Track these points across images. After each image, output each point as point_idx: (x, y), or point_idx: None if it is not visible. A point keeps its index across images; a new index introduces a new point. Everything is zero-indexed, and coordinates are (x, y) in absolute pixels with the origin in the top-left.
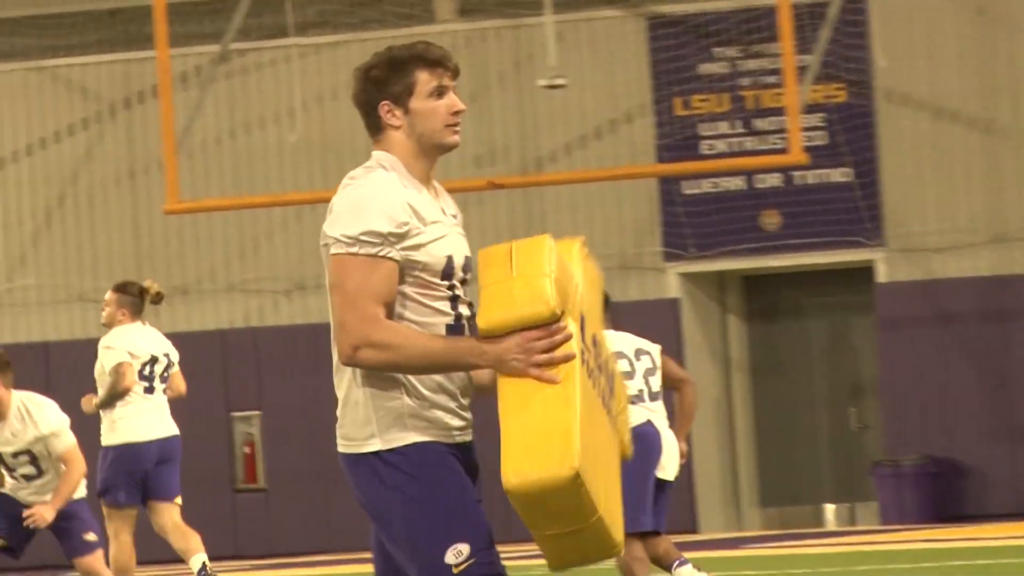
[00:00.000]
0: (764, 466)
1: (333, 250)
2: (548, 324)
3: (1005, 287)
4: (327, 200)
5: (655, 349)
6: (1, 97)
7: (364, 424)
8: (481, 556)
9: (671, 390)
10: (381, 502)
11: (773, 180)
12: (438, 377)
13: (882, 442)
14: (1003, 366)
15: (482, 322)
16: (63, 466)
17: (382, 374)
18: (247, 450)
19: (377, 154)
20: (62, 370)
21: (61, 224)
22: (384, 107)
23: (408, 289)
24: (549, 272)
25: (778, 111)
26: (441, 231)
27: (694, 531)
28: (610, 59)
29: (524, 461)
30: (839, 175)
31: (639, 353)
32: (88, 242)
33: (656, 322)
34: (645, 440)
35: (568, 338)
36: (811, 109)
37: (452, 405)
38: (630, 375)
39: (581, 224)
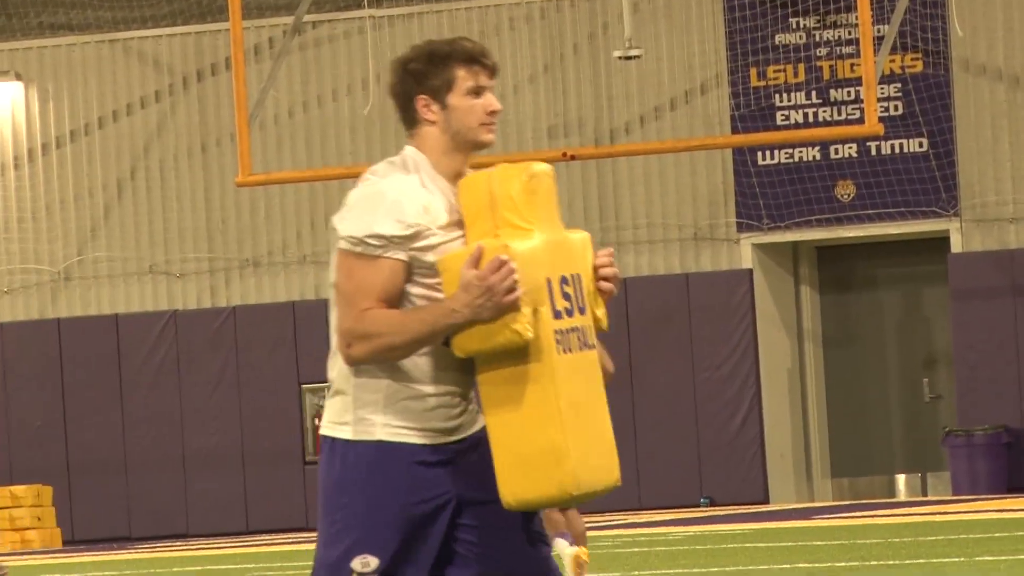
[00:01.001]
0: (835, 437)
1: (340, 245)
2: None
3: None
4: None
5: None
6: (74, 70)
7: (342, 412)
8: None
9: None
10: (327, 486)
11: (848, 151)
12: (428, 370)
13: (955, 412)
14: None
15: (459, 351)
16: None
17: (369, 368)
18: (318, 422)
19: (407, 150)
20: (132, 342)
21: (132, 197)
22: (421, 101)
23: (413, 289)
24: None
25: (854, 81)
26: (454, 235)
27: (765, 501)
28: (685, 30)
29: (520, 483)
30: (914, 145)
31: None
32: (159, 215)
33: (729, 293)
34: None
35: (512, 271)
36: (887, 79)
37: (442, 403)
38: None
39: (655, 195)
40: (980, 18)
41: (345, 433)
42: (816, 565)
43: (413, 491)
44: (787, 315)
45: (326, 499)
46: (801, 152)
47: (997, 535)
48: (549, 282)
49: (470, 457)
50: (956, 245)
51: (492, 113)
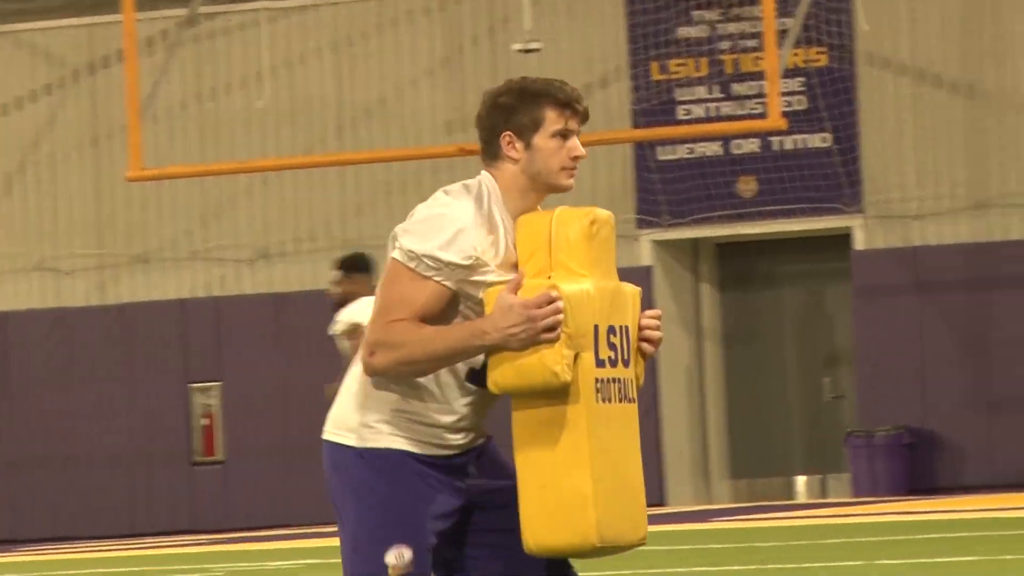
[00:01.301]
0: (735, 437)
1: (394, 255)
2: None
3: (985, 255)
4: (294, 167)
5: None
6: None
7: (350, 417)
8: (423, 568)
9: None
10: (342, 494)
11: (750, 146)
12: (443, 400)
13: (856, 412)
14: (982, 335)
15: (493, 387)
16: None
17: (385, 383)
18: (206, 422)
19: (484, 178)
20: (19, 340)
21: (22, 191)
22: (506, 138)
23: (452, 317)
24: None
25: (757, 75)
26: (507, 276)
27: (662, 503)
28: (586, 22)
29: (543, 528)
30: (818, 140)
31: None
32: (49, 210)
33: None
34: None
35: (559, 310)
36: (791, 73)
37: (449, 421)
38: None
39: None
40: (885, 11)
41: (350, 440)
42: (714, 568)
43: (427, 490)
44: (686, 313)
45: (345, 504)
46: (703, 147)
47: (898, 538)
48: (596, 329)
49: (474, 464)
50: (859, 242)
51: (575, 159)
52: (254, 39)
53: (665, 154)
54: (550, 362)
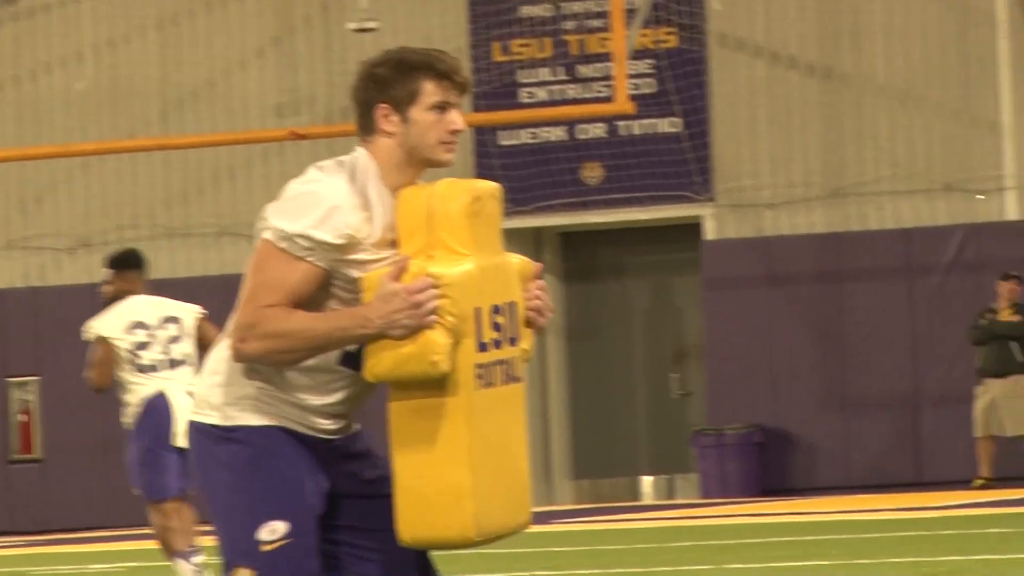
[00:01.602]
0: (578, 436)
1: (265, 234)
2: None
3: (841, 245)
4: (116, 151)
5: (190, 314)
6: None
7: (214, 395)
8: (297, 539)
9: None
10: (210, 472)
11: (596, 130)
12: (312, 382)
13: (705, 410)
14: (837, 330)
15: (370, 376)
16: None
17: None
18: (23, 418)
19: (359, 154)
20: None
21: None
22: (381, 110)
23: (328, 301)
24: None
25: (604, 57)
26: (384, 255)
27: None
28: (425, 0)
29: (418, 521)
30: (667, 125)
31: (167, 321)
32: None
33: None
34: (155, 414)
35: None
36: (639, 55)
37: (318, 404)
38: (146, 345)
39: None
40: None
41: (213, 419)
42: (556, 572)
43: (297, 464)
44: None
45: (213, 485)
46: (546, 132)
47: (748, 541)
48: (478, 312)
49: (341, 452)
50: (709, 232)
51: (454, 132)
52: (75, 17)
53: (507, 139)
54: (429, 351)
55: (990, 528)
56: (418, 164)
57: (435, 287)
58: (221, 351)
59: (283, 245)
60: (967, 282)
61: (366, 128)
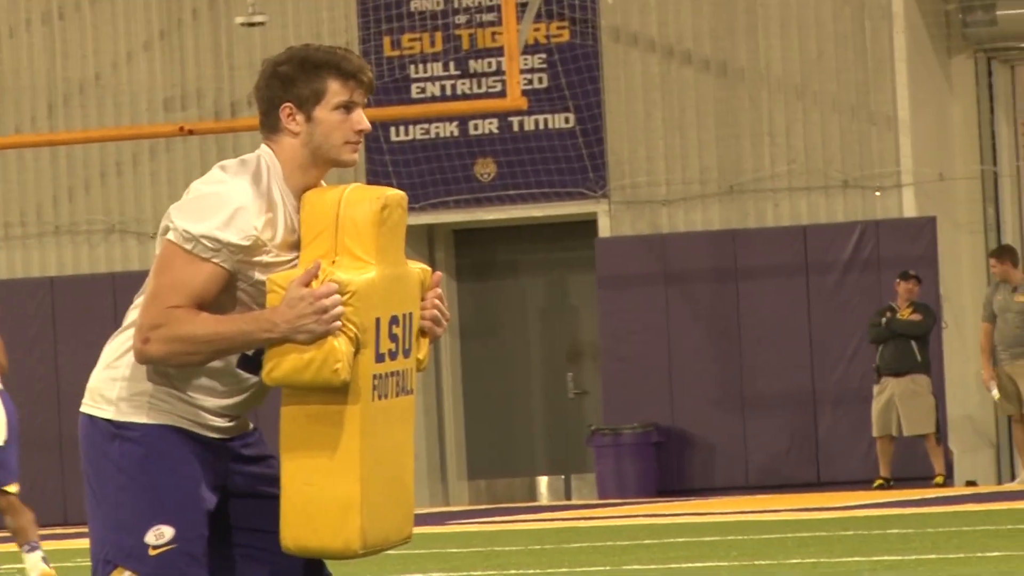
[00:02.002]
0: (473, 436)
1: (169, 236)
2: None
3: (737, 242)
4: (2, 147)
5: None
6: None
7: (108, 389)
8: (183, 544)
9: None
10: (98, 468)
11: (488, 126)
12: (209, 383)
13: (601, 409)
14: (734, 328)
15: (268, 380)
16: None
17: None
18: None
19: (263, 153)
20: None
21: None
22: (286, 109)
23: (229, 303)
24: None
25: (496, 51)
26: (288, 257)
27: None
28: None
29: (303, 529)
30: (560, 121)
31: None
32: None
33: None
34: None
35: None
36: (531, 50)
37: (213, 405)
38: None
39: None
40: None
41: (106, 413)
42: (452, 574)
43: (190, 468)
44: None
45: (99, 481)
46: (438, 127)
47: (646, 542)
48: (378, 322)
49: (238, 452)
50: (604, 229)
51: (360, 132)
52: None
53: (398, 135)
54: (331, 359)
55: (890, 529)
56: (322, 165)
57: (340, 293)
58: (119, 344)
59: (188, 246)
60: (865, 280)
61: (270, 127)
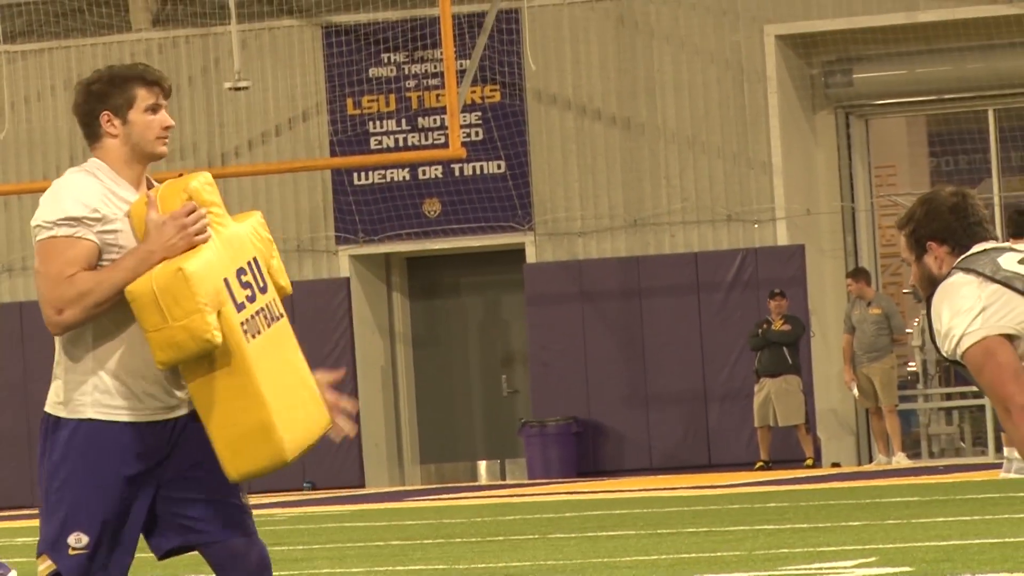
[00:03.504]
0: (424, 427)
1: (37, 236)
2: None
3: (640, 267)
4: (32, 191)
5: None
6: None
7: (58, 392)
8: (98, 551)
9: None
10: (44, 463)
11: (434, 172)
12: (133, 362)
13: (530, 405)
14: (637, 337)
15: (160, 365)
16: None
17: (79, 349)
18: None
19: (91, 160)
20: None
21: None
22: (105, 117)
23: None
24: (202, 306)
25: (440, 110)
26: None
27: (362, 485)
28: (288, 64)
29: (239, 460)
30: (494, 167)
31: None
32: None
33: (328, 300)
34: None
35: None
36: (469, 108)
37: (150, 391)
38: None
39: (262, 212)
40: (552, 53)
41: (60, 412)
42: (407, 542)
43: (120, 468)
44: (381, 319)
45: (45, 476)
46: (392, 173)
47: (567, 515)
48: (227, 282)
49: (180, 434)
50: (531, 256)
51: (166, 128)
52: None
53: (360, 179)
54: (200, 332)
55: (769, 503)
56: (141, 159)
57: (195, 210)
58: (57, 351)
59: (54, 232)
60: (746, 297)
61: (93, 135)
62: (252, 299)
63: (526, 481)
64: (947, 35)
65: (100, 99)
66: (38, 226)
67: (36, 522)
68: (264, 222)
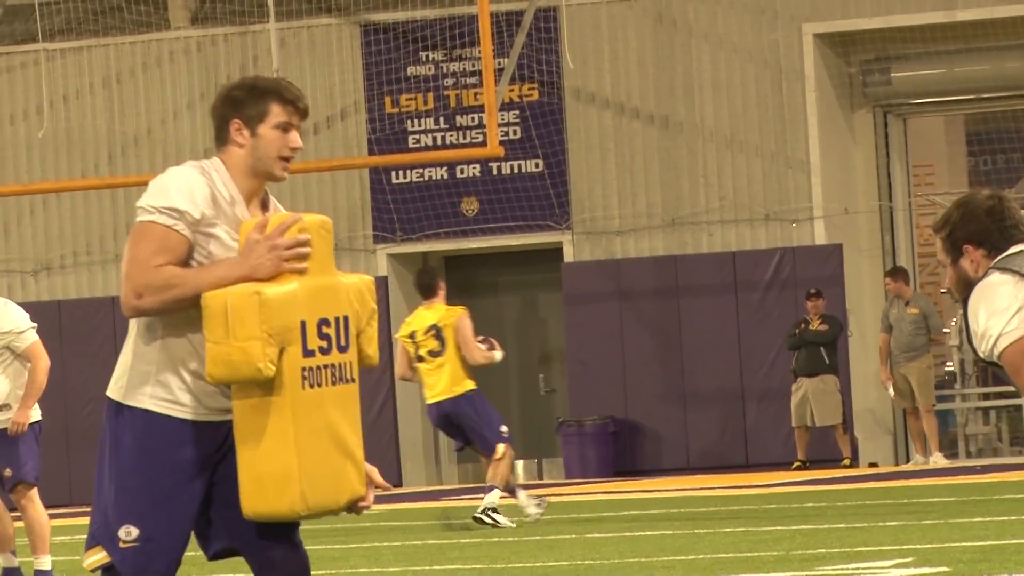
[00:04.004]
0: None
1: (138, 217)
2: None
3: (678, 266)
4: (71, 189)
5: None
6: None
7: (121, 375)
8: (147, 545)
9: None
10: (107, 443)
11: (472, 171)
12: (197, 363)
13: (567, 404)
14: (674, 337)
15: (210, 378)
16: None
17: (149, 340)
18: None
19: (213, 159)
20: None
21: None
22: (235, 124)
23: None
24: (265, 335)
25: (478, 108)
26: (231, 242)
27: (399, 484)
28: (327, 62)
29: (256, 498)
30: (531, 166)
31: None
32: None
33: None
34: None
35: (306, 241)
36: (507, 107)
37: (205, 386)
38: None
39: (300, 211)
40: (590, 51)
41: (118, 395)
42: (444, 542)
43: (172, 463)
44: None
45: (106, 453)
46: (430, 172)
47: (604, 514)
48: (304, 324)
49: (225, 447)
50: (568, 255)
51: (293, 149)
52: (35, 76)
53: (397, 178)
54: (255, 358)
55: (806, 503)
56: (259, 175)
57: (289, 226)
58: (127, 342)
59: (154, 218)
60: (784, 297)
61: (221, 139)
62: (326, 352)
63: (563, 480)
64: (986, 34)
65: (235, 106)
66: (141, 208)
67: (74, 521)
68: (373, 290)
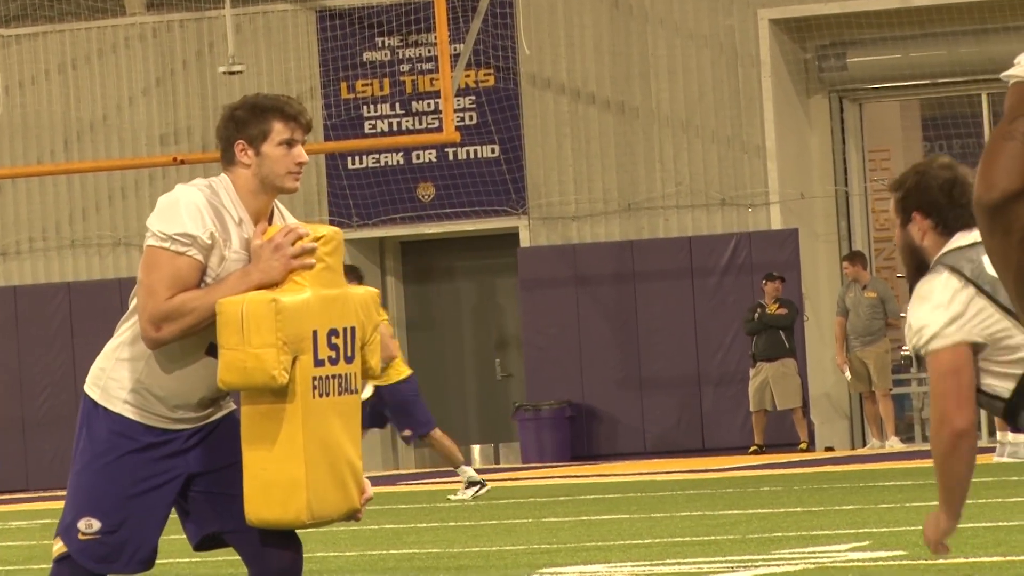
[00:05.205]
0: None
1: (148, 242)
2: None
3: (634, 251)
4: (27, 175)
5: None
6: None
7: (101, 374)
8: (106, 539)
9: None
10: (77, 442)
11: (428, 156)
12: (181, 387)
13: (524, 389)
14: (631, 322)
15: (222, 384)
16: None
17: (135, 348)
18: None
19: (221, 177)
20: None
21: None
22: (239, 145)
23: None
24: (280, 343)
25: (433, 94)
26: (240, 259)
27: None
28: (282, 48)
29: (261, 505)
30: (487, 152)
31: None
32: None
33: None
34: None
35: (307, 234)
36: (463, 92)
37: (182, 412)
38: None
39: None
40: (545, 37)
41: (95, 396)
42: (401, 526)
43: (144, 467)
44: None
45: (75, 453)
46: (387, 157)
47: (561, 499)
48: (315, 334)
49: (205, 437)
50: (524, 240)
51: (299, 164)
52: None
53: (353, 163)
54: (269, 366)
55: (763, 487)
56: (270, 191)
57: (293, 231)
58: (113, 341)
59: (165, 245)
60: (740, 281)
61: (227, 160)
62: (334, 362)
63: (520, 465)
64: (941, 19)
65: (239, 127)
66: (152, 233)
67: (30, 506)
68: (378, 302)
